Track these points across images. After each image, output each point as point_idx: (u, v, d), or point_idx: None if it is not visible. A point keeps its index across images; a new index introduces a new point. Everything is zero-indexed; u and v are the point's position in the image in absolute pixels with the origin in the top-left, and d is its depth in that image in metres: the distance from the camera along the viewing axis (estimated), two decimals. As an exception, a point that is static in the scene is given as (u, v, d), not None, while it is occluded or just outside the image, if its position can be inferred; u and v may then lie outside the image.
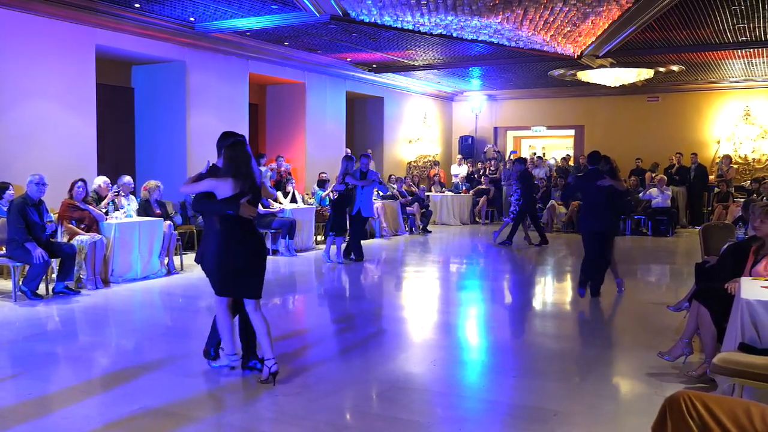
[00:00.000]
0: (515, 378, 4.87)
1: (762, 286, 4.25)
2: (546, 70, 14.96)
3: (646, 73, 14.72)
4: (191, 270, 9.09)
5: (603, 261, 7.68)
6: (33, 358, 5.23)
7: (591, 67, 14.10)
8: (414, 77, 16.64)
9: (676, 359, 4.95)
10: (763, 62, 13.84)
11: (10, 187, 8.13)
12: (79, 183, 7.98)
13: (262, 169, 11.83)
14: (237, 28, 10.91)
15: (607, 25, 10.76)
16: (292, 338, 5.94)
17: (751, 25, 10.70)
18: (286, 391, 4.43)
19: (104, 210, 8.34)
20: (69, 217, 7.92)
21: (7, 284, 7.79)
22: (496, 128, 20.17)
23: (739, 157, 16.80)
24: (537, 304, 8.07)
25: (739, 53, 12.86)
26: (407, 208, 14.58)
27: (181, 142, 11.43)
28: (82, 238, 7.80)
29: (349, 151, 14.55)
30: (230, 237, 4.50)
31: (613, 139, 17.63)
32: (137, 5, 9.69)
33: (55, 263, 7.55)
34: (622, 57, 13.23)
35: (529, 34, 11.01)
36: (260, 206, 10.08)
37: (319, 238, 12.28)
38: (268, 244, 10.43)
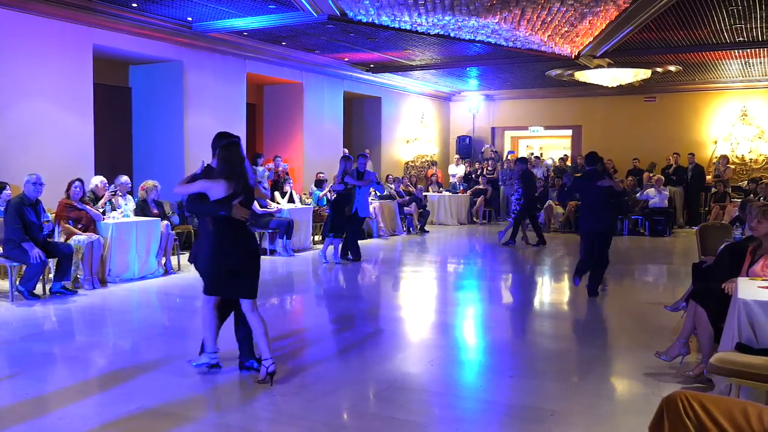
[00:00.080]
0: (512, 378, 4.88)
1: (759, 286, 4.26)
2: (543, 70, 14.96)
3: (644, 74, 14.72)
4: (188, 270, 9.06)
5: (603, 261, 7.71)
6: (30, 358, 5.23)
7: (588, 68, 14.11)
8: (411, 77, 16.63)
9: (673, 359, 4.96)
10: (760, 62, 13.86)
11: (7, 186, 8.12)
12: (76, 183, 7.97)
13: (260, 169, 11.83)
14: (234, 27, 10.89)
15: (604, 26, 10.77)
16: (289, 338, 5.94)
17: (748, 26, 10.71)
18: (283, 391, 4.43)
19: (101, 210, 8.33)
20: (66, 217, 7.90)
21: (4, 284, 7.77)
22: (493, 128, 20.17)
23: (736, 157, 16.81)
24: (534, 304, 8.07)
25: (736, 53, 12.88)
26: (405, 208, 14.58)
27: (178, 142, 11.41)
28: (79, 238, 7.78)
29: (346, 151, 14.53)
30: (223, 238, 4.52)
31: (610, 140, 17.65)
32: (134, 5, 9.67)
33: (52, 263, 7.55)
34: (619, 57, 13.24)
35: (527, 34, 11.01)
36: (258, 206, 10.11)
37: (316, 238, 12.27)
38: (266, 244, 10.47)
